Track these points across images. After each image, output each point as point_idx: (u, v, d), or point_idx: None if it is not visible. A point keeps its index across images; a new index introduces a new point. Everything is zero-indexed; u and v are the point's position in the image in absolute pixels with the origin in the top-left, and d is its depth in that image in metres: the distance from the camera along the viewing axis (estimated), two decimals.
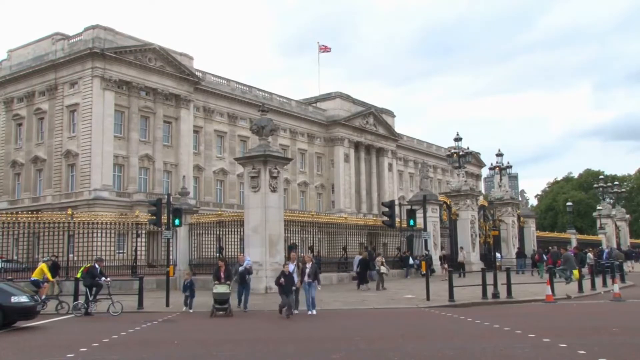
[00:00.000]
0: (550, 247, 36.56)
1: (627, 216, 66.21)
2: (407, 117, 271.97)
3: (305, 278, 16.41)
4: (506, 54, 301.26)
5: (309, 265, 16.61)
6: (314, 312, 16.21)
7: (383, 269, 25.12)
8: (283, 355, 10.11)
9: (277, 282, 15.58)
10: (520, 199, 47.49)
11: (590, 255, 34.21)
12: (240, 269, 17.43)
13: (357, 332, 12.77)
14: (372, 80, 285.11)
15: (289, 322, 14.34)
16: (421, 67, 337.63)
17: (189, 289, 17.46)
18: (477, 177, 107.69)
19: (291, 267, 16.30)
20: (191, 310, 17.07)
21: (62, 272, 22.96)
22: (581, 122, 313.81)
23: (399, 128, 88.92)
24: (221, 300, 16.15)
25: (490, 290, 19.14)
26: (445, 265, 31.38)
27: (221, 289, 16.21)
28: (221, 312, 16.06)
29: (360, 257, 26.11)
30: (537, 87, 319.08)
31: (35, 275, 18.53)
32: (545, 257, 32.76)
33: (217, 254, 24.56)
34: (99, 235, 26.03)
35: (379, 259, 25.87)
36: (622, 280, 26.12)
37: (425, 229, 24.19)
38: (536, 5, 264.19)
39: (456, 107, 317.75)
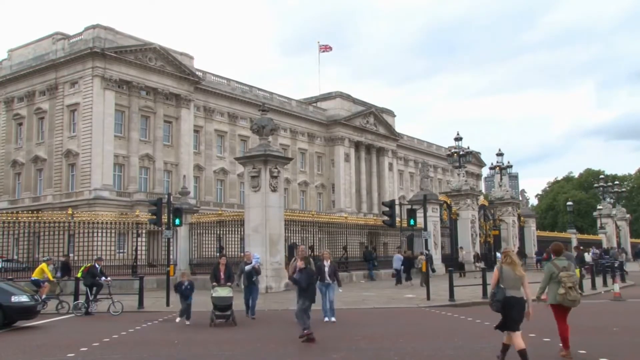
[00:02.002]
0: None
1: (628, 216, 66.19)
2: (409, 116, 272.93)
3: (325, 278, 14.35)
4: (509, 53, 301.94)
5: (327, 264, 14.53)
6: (334, 319, 14.08)
7: None
8: (283, 355, 10.12)
9: (292, 278, 12.49)
10: (520, 198, 47.46)
11: (587, 255, 34.25)
12: (247, 268, 15.38)
13: (357, 331, 12.76)
14: (374, 79, 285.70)
15: (291, 322, 14.27)
16: (423, 66, 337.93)
17: (186, 294, 14.49)
18: (478, 176, 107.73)
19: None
20: (188, 322, 14.30)
21: (73, 271, 22.33)
22: (583, 121, 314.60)
23: (400, 127, 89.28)
24: (222, 306, 13.82)
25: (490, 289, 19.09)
26: (478, 265, 31.70)
27: (222, 292, 13.89)
28: (222, 320, 13.83)
29: (401, 256, 27.24)
30: (540, 86, 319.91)
31: (35, 275, 18.53)
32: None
33: (218, 254, 24.55)
34: (100, 234, 26.05)
35: (421, 257, 26.65)
36: (623, 279, 26.14)
37: (425, 229, 24.26)
38: (539, 4, 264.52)
39: (458, 106, 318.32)
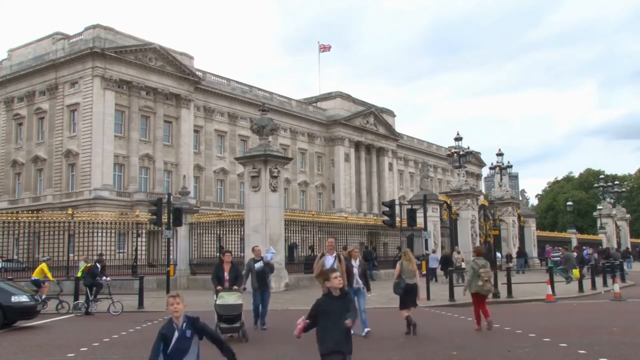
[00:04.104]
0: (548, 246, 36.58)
1: (628, 216, 66.13)
2: (411, 116, 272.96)
3: (354, 281, 11.38)
4: (511, 53, 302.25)
5: (355, 263, 11.57)
6: (366, 330, 10.87)
7: (464, 265, 26.79)
8: (283, 355, 10.11)
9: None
10: (520, 198, 47.47)
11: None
12: (258, 266, 12.94)
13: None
14: (376, 78, 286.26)
15: (291, 323, 14.15)
16: (425, 65, 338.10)
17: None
18: (478, 176, 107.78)
19: (329, 260, 10.89)
20: None
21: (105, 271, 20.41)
22: (585, 121, 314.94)
23: (401, 127, 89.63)
24: (230, 317, 11.03)
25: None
26: (510, 264, 31.95)
27: (229, 298, 11.08)
28: (230, 335, 11.09)
29: (436, 255, 28.75)
30: (542, 86, 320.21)
31: (35, 275, 18.53)
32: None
33: (218, 254, 24.53)
34: (100, 234, 26.05)
35: (460, 255, 27.37)
36: (623, 279, 26.14)
37: (425, 229, 24.25)
38: (542, 4, 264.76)
39: (460, 106, 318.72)
